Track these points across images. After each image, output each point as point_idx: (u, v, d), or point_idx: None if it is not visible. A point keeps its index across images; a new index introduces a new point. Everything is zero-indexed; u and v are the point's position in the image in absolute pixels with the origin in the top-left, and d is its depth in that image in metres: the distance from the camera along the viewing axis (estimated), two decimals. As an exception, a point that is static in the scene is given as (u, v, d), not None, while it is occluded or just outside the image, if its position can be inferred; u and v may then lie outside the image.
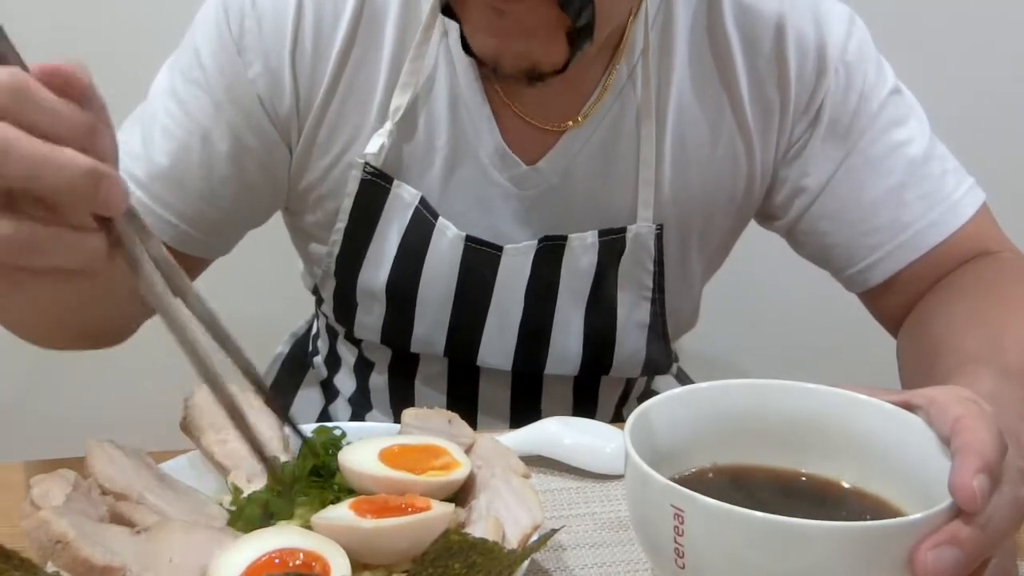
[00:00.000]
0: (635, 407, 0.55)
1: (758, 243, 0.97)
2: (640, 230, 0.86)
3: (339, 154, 0.85)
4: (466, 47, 0.76)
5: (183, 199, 0.83)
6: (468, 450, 0.66)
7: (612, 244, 0.86)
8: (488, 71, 0.78)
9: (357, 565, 0.53)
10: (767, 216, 0.93)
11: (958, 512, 0.47)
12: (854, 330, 1.03)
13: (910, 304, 0.87)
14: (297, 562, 0.52)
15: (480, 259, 0.86)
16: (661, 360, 0.96)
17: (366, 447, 0.62)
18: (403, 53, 0.82)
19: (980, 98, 1.59)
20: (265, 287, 1.34)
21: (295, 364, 1.10)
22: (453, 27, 0.81)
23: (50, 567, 0.52)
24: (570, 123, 0.84)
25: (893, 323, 0.90)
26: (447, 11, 0.74)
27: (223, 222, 0.87)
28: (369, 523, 0.55)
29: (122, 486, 0.59)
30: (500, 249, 0.86)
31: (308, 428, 0.65)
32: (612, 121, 0.84)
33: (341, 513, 0.56)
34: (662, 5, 0.84)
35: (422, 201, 0.84)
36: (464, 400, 0.94)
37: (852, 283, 0.91)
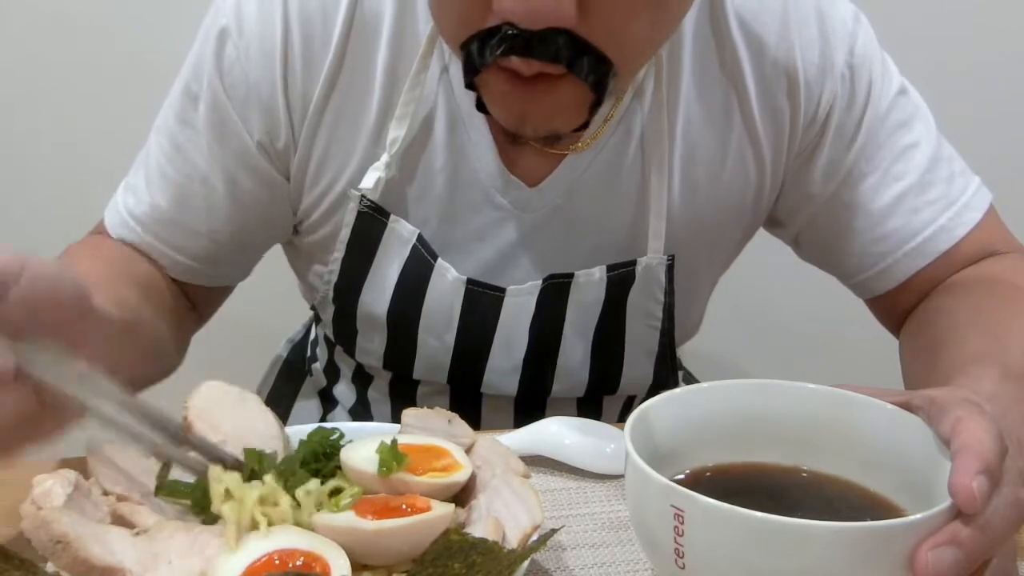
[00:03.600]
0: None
1: (759, 243, 0.96)
2: (651, 262, 0.83)
3: (331, 181, 0.82)
4: (481, 107, 0.72)
5: (192, 239, 0.83)
6: (468, 450, 0.66)
7: (621, 279, 0.84)
8: (507, 134, 0.75)
9: (357, 566, 0.53)
10: (774, 223, 0.92)
11: (958, 513, 0.47)
12: (855, 330, 1.03)
13: (915, 307, 0.86)
14: (297, 563, 0.52)
15: (483, 300, 0.84)
16: (667, 380, 0.94)
17: (369, 445, 0.62)
18: (397, 79, 0.79)
19: (985, 94, 1.58)
20: (263, 290, 1.32)
21: (293, 371, 1.08)
22: (455, 61, 0.78)
23: (50, 567, 0.52)
24: (580, 145, 0.81)
25: (896, 325, 0.89)
26: (470, 85, 0.69)
27: (234, 256, 0.87)
28: (370, 524, 0.55)
29: (123, 487, 0.59)
30: (503, 291, 0.84)
31: (307, 428, 0.65)
32: (617, 143, 0.82)
33: (341, 514, 0.56)
34: None
35: (420, 239, 0.82)
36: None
37: (860, 289, 0.90)
